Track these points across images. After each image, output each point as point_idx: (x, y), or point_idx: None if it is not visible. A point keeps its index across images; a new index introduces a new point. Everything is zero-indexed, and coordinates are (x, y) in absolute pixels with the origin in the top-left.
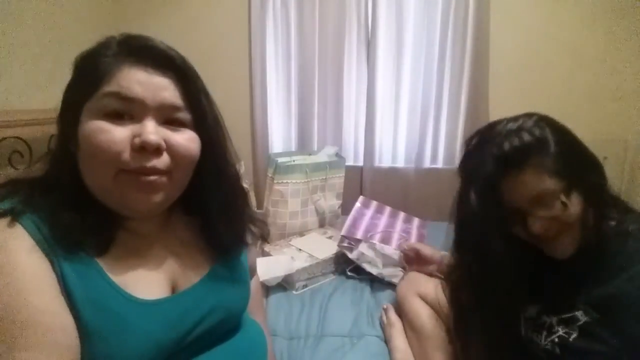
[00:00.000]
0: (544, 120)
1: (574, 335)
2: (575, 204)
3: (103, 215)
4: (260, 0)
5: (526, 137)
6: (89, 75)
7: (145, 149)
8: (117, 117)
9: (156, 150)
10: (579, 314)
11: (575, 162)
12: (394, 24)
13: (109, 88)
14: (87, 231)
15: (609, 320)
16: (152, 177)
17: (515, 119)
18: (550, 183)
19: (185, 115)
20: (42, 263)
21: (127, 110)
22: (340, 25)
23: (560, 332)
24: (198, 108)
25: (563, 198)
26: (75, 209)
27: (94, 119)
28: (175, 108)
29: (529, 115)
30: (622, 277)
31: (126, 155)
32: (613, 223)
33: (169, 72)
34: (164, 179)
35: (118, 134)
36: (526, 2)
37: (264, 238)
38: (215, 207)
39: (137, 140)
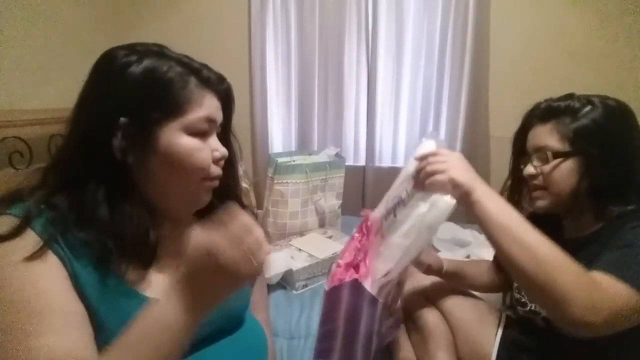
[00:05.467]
0: (609, 107)
1: None
2: (561, 170)
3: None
4: (260, 1)
5: (568, 102)
6: (176, 100)
7: (220, 160)
8: (200, 134)
9: (222, 160)
10: None
11: (600, 144)
12: (394, 24)
13: (202, 113)
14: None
15: None
16: (216, 182)
17: (598, 97)
18: (554, 141)
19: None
20: (52, 259)
21: (208, 129)
22: (340, 25)
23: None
24: (228, 123)
25: (551, 157)
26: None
27: (184, 135)
28: (219, 125)
29: (606, 97)
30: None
31: (210, 166)
32: (616, 208)
33: (222, 98)
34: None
35: (208, 151)
36: (526, 1)
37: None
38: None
39: (216, 153)
